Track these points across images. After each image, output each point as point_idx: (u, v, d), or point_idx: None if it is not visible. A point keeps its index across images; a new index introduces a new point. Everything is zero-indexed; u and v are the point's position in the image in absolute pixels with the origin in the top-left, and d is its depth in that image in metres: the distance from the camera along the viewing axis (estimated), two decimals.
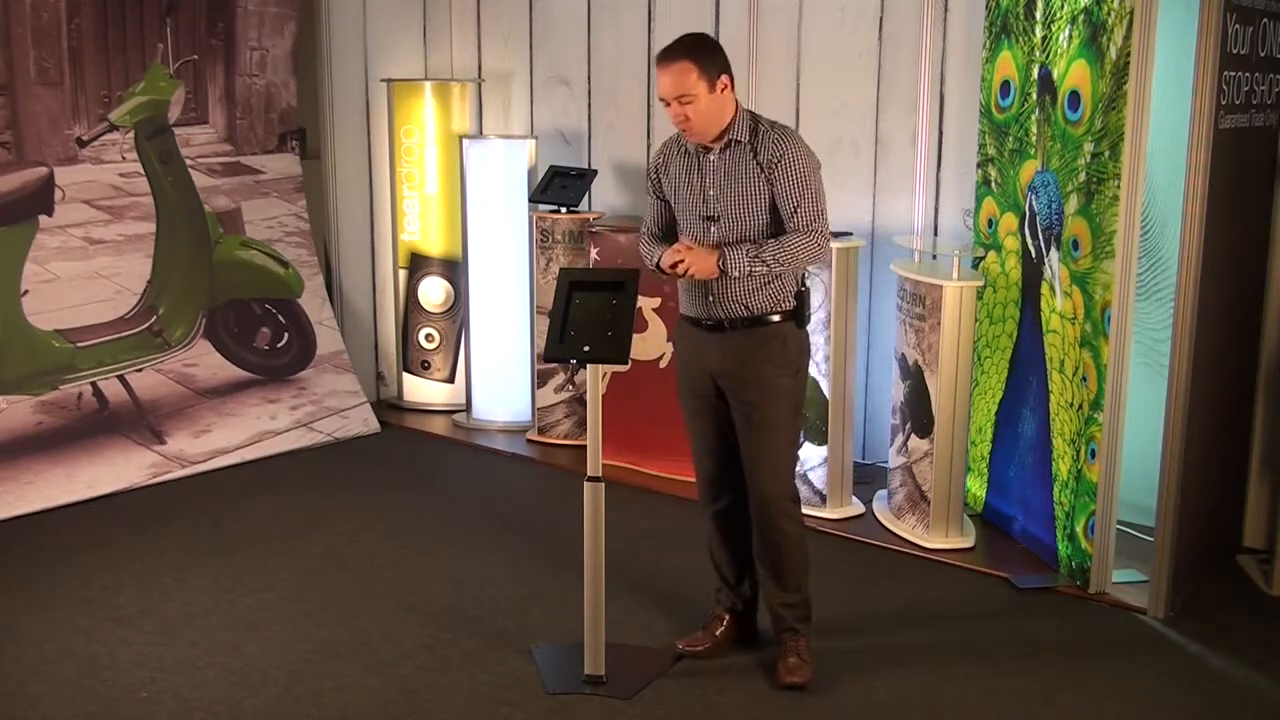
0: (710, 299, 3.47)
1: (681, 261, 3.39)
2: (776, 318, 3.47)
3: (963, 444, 4.55)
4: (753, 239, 3.42)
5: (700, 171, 3.48)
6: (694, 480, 5.15)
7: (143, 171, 5.61)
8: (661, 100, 3.42)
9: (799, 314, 3.50)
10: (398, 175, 6.31)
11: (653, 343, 5.37)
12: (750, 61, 5.51)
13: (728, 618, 3.75)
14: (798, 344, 3.52)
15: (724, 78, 3.39)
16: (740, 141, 3.43)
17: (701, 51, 3.39)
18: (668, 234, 3.64)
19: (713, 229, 3.46)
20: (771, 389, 3.46)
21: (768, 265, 3.38)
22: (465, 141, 6.07)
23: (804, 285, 3.53)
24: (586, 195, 5.84)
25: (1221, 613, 4.08)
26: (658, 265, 3.48)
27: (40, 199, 5.29)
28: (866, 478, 5.21)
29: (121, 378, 5.44)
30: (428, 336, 6.40)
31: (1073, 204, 4.16)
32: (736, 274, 3.38)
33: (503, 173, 6.03)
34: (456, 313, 6.35)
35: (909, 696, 3.49)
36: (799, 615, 3.59)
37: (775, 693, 3.49)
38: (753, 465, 3.52)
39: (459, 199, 6.17)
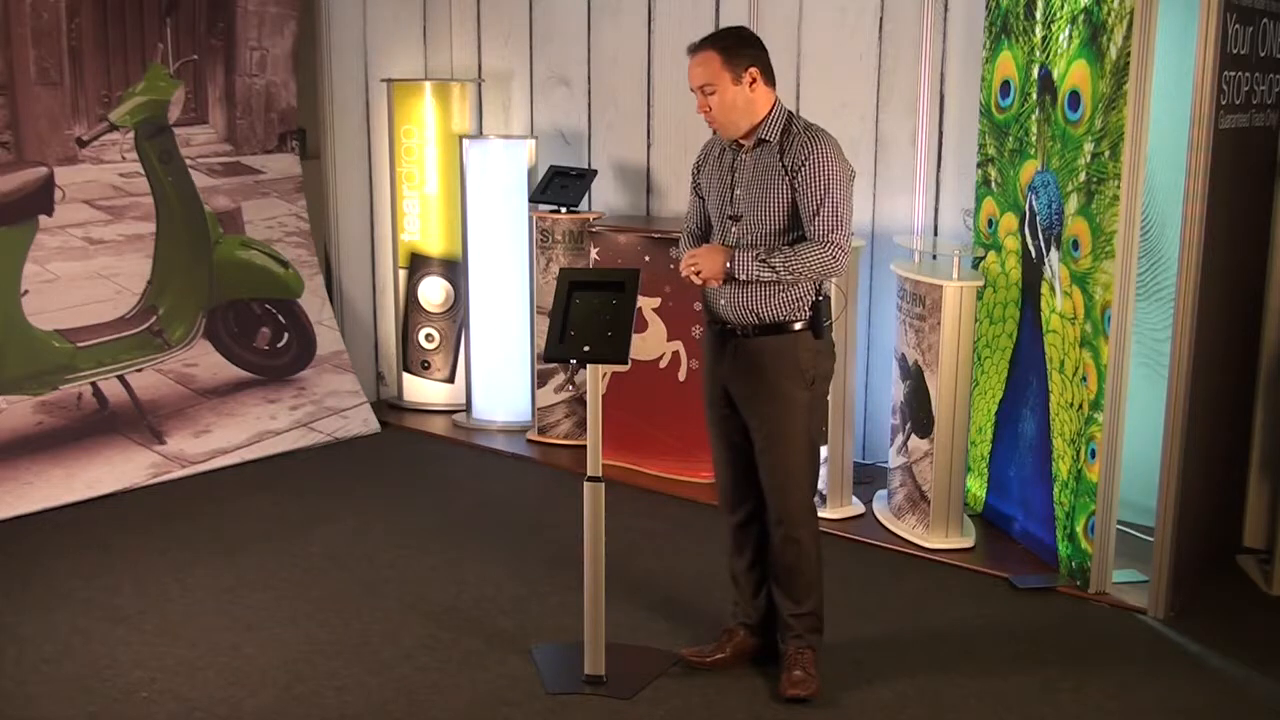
0: (722, 302, 3.41)
1: (694, 264, 3.36)
2: (794, 326, 3.38)
3: (963, 444, 4.55)
4: (770, 242, 3.36)
5: (731, 170, 3.43)
6: (694, 480, 5.20)
7: (143, 171, 5.61)
8: (692, 91, 3.38)
9: (815, 323, 3.40)
10: (398, 175, 6.31)
11: (653, 343, 5.37)
12: None
13: (742, 632, 3.66)
14: (812, 354, 3.40)
15: (752, 70, 3.32)
16: (769, 141, 3.36)
17: (729, 43, 3.34)
18: (706, 234, 3.59)
19: (734, 229, 3.41)
20: (784, 402, 3.38)
21: (776, 272, 3.29)
22: (465, 141, 6.07)
23: (822, 294, 3.41)
24: (586, 195, 5.84)
25: (1221, 613, 4.08)
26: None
27: (40, 199, 5.29)
28: (866, 478, 5.21)
29: (121, 378, 5.44)
30: (428, 336, 6.40)
31: (1073, 204, 4.16)
32: (743, 278, 3.31)
33: (503, 173, 6.03)
34: (456, 313, 6.35)
35: (909, 696, 3.49)
36: (808, 626, 3.52)
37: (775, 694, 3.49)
38: (769, 479, 3.45)
39: (459, 199, 6.17)
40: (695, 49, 3.37)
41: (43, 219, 5.30)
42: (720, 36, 3.40)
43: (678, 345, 5.32)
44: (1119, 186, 3.89)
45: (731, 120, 3.35)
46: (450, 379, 6.42)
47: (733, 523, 3.63)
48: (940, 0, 5.11)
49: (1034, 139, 4.43)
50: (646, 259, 5.27)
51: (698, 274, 3.36)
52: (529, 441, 5.94)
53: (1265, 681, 3.62)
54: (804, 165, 3.31)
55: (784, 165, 3.34)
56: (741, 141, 3.41)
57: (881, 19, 5.25)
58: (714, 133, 3.50)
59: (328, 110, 6.36)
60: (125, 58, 5.51)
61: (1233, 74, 3.87)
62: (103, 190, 5.50)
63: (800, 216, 3.34)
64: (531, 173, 6.01)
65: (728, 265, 3.32)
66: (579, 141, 6.18)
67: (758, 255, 3.31)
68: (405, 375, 6.50)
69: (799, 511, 3.46)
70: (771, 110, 3.38)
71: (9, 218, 5.18)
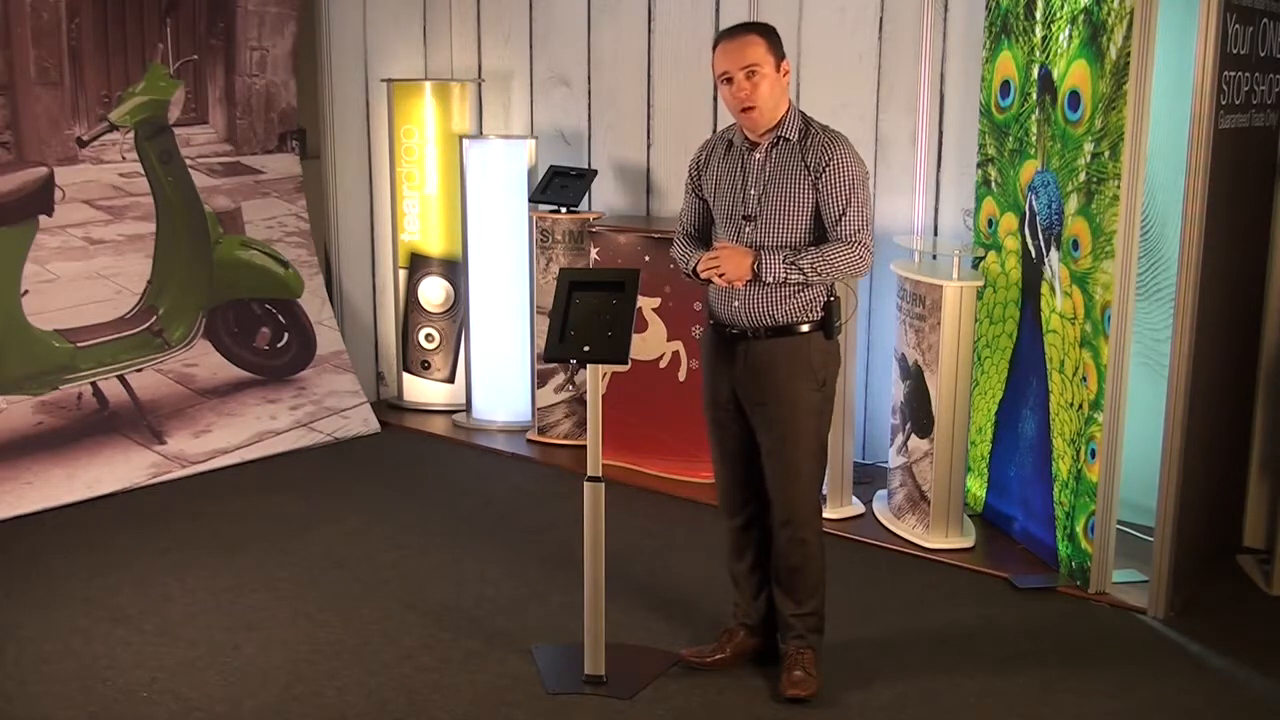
0: (736, 304, 3.36)
1: (716, 266, 3.30)
2: (804, 328, 3.35)
3: (963, 444, 4.55)
4: (790, 243, 3.32)
5: (743, 169, 3.38)
6: (694, 480, 5.20)
7: (143, 171, 5.61)
8: (723, 78, 3.29)
9: (827, 324, 3.37)
10: (398, 175, 6.31)
11: (653, 343, 5.37)
12: None
13: (742, 632, 3.65)
14: (824, 355, 3.38)
15: (786, 63, 3.33)
16: (789, 140, 3.33)
17: (768, 31, 3.34)
18: (703, 234, 3.55)
19: (748, 229, 3.35)
20: (794, 403, 3.36)
21: (804, 274, 3.26)
22: (465, 141, 6.07)
23: (833, 294, 3.40)
24: (586, 195, 5.84)
25: (1221, 613, 4.08)
26: (694, 271, 3.38)
27: (40, 199, 5.29)
28: (866, 478, 5.21)
29: (121, 378, 5.44)
30: (428, 336, 6.40)
31: (1073, 204, 4.17)
32: (770, 279, 3.26)
33: (503, 173, 6.03)
34: (456, 313, 6.35)
35: (909, 696, 3.49)
36: (810, 626, 3.51)
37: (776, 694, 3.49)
38: (776, 481, 3.43)
39: (459, 199, 6.17)
40: (736, 33, 3.31)
41: (43, 219, 5.30)
42: (758, 24, 3.40)
43: (678, 345, 5.32)
44: (1119, 186, 3.89)
45: (771, 107, 3.30)
46: (450, 379, 6.42)
47: (734, 526, 3.61)
48: (940, 0, 5.11)
49: (1034, 139, 4.43)
50: (646, 259, 5.27)
51: (720, 275, 3.31)
52: (529, 441, 5.94)
53: (1265, 681, 3.62)
54: (827, 168, 3.29)
55: (806, 165, 3.31)
56: (756, 140, 3.37)
57: (881, 19, 5.25)
58: (714, 131, 3.49)
59: (328, 110, 6.37)
60: (125, 58, 5.51)
61: (1233, 74, 3.87)
62: (103, 190, 5.50)
63: (818, 216, 3.33)
64: (531, 173, 6.01)
65: (754, 267, 3.28)
66: (579, 141, 6.18)
67: (785, 257, 3.27)
68: (405, 375, 6.50)
69: (807, 512, 3.45)
70: (790, 109, 3.37)
71: (9, 218, 5.18)
